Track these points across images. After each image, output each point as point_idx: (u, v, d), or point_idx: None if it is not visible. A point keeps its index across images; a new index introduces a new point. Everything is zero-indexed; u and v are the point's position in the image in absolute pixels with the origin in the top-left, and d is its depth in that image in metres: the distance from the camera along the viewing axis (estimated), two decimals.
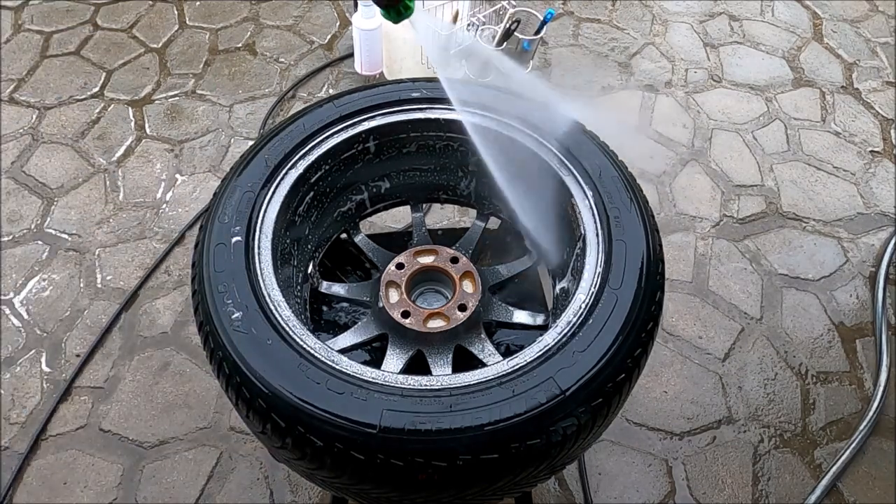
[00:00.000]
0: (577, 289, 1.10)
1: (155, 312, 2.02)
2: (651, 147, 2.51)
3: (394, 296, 1.27)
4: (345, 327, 1.35)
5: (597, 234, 1.15)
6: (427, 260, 1.33)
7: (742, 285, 2.15)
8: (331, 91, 2.66)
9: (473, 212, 1.56)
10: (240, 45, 2.84)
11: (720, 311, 2.08)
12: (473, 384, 0.98)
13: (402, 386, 0.97)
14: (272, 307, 1.05)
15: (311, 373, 0.97)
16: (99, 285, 2.08)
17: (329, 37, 2.88)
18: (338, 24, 2.94)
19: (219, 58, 2.78)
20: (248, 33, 2.89)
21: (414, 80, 1.38)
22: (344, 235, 1.52)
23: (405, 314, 1.24)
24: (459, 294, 1.27)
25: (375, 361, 1.26)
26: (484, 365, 1.10)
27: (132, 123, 2.53)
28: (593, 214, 1.18)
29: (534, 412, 0.94)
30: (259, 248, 1.12)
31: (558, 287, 1.32)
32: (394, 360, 1.24)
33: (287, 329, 1.03)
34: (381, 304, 1.25)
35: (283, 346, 1.00)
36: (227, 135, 2.50)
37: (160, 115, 2.56)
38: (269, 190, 1.18)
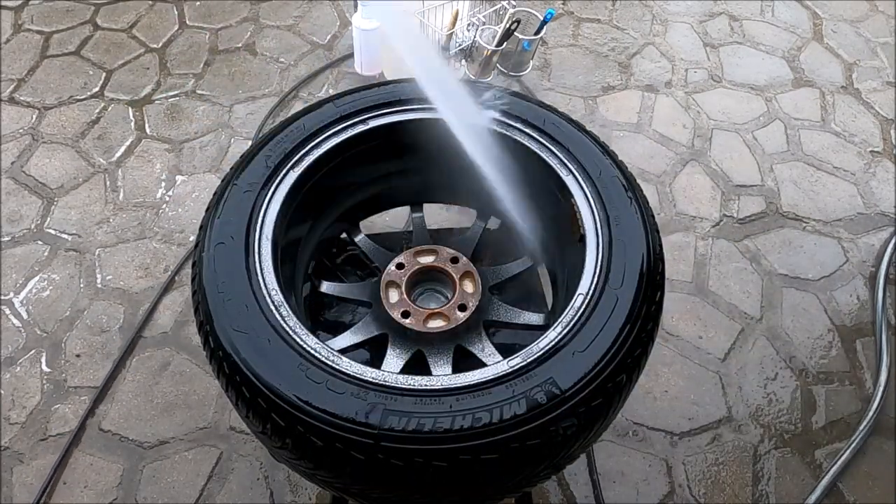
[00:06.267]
0: (576, 289, 1.10)
1: (155, 312, 2.02)
2: (650, 146, 2.51)
3: (394, 296, 1.27)
4: (345, 327, 1.35)
5: (597, 234, 1.15)
6: (427, 260, 1.33)
7: (742, 285, 2.15)
8: (331, 91, 2.66)
9: (473, 212, 1.56)
10: (240, 45, 2.84)
11: (720, 311, 2.08)
12: (473, 384, 0.98)
13: (402, 386, 0.97)
14: (272, 307, 1.05)
15: (311, 373, 0.97)
16: (99, 285, 2.08)
17: (329, 37, 2.88)
18: (338, 24, 2.94)
19: (219, 58, 2.78)
20: (248, 33, 2.89)
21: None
22: (344, 235, 1.52)
23: (405, 314, 1.24)
24: (459, 294, 1.27)
25: (376, 361, 1.26)
26: (484, 365, 1.10)
27: (132, 123, 2.53)
28: (593, 214, 1.18)
29: (534, 412, 0.95)
30: (259, 248, 1.12)
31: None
32: (394, 360, 1.24)
33: (287, 329, 1.03)
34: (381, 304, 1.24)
35: (283, 346, 1.00)
36: (227, 135, 2.50)
37: (160, 115, 2.56)
38: (269, 190, 1.18)
